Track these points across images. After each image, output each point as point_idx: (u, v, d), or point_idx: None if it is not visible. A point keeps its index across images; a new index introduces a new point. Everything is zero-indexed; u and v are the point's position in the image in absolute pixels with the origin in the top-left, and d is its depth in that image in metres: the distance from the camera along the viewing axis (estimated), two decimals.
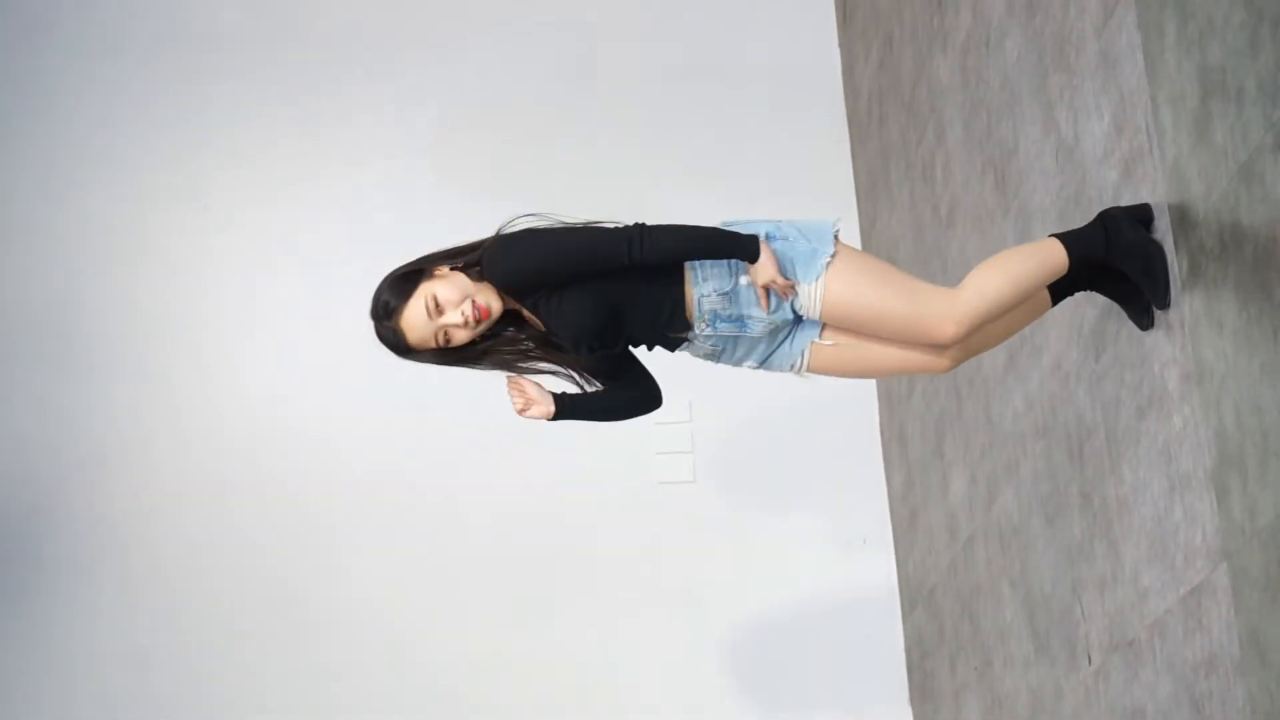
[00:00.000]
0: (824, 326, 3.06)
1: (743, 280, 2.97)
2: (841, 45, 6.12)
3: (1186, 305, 2.85)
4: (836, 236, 3.01)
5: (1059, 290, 3.19)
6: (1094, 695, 3.45)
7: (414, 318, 2.94)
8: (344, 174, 6.02)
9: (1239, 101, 2.57)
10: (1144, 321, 3.03)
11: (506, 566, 5.56)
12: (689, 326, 3.01)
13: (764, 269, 2.91)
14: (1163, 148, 2.92)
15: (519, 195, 5.68)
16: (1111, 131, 3.19)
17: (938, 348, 3.04)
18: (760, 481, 5.62)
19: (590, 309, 2.97)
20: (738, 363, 3.12)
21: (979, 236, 4.24)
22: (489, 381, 5.68)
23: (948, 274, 4.59)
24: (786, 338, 3.07)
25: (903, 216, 5.18)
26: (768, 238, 2.95)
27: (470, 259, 3.01)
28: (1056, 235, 3.05)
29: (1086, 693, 3.50)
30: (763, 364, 3.09)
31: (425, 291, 2.94)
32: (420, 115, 6.08)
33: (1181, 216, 2.85)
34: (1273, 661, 2.55)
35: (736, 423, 5.61)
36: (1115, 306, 3.18)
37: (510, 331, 3.06)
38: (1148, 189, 3.01)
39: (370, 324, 3.04)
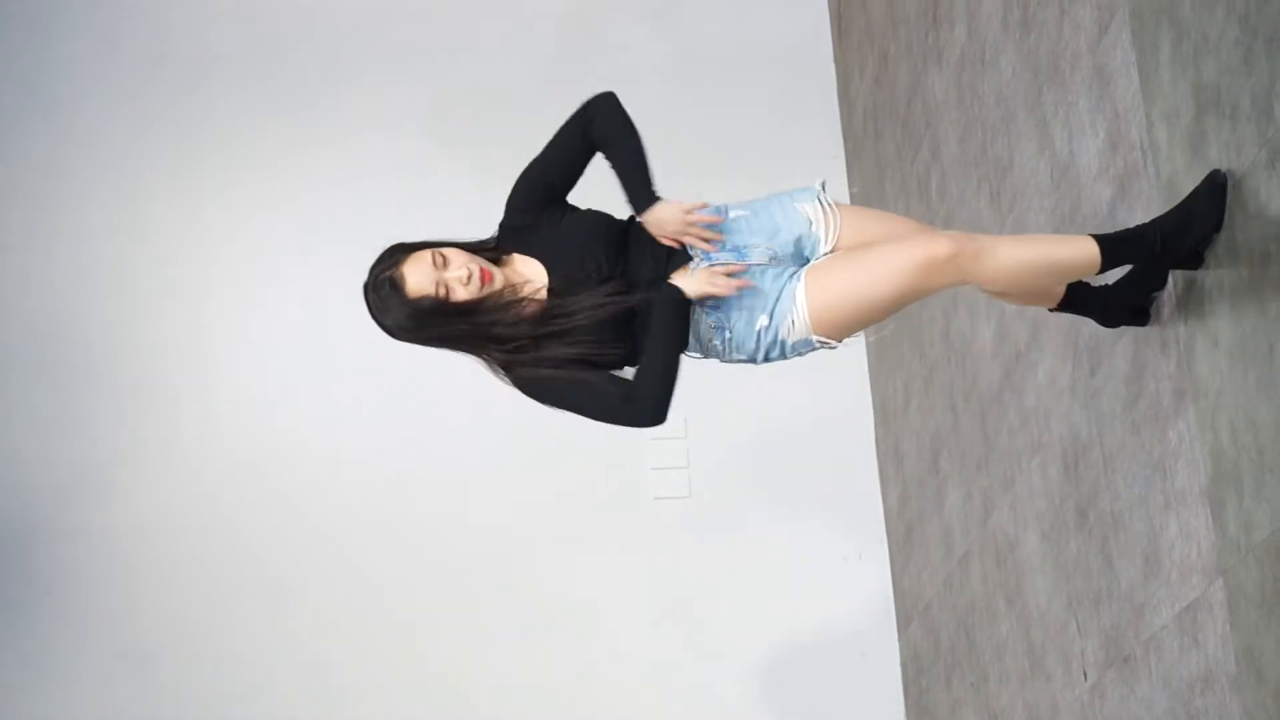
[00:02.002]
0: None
1: (731, 213, 2.97)
2: (837, 61, 6.14)
3: (1181, 321, 2.85)
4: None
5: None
6: (1090, 711, 3.45)
7: (419, 265, 2.90)
8: (343, 185, 6.02)
9: (1233, 118, 2.57)
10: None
11: (501, 582, 5.56)
12: (689, 258, 2.94)
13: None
14: (1157, 164, 2.92)
15: None
16: (1106, 148, 3.19)
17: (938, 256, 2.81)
18: (755, 497, 5.62)
19: (595, 220, 2.99)
20: (746, 328, 2.91)
21: None
22: (487, 394, 5.71)
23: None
24: (790, 279, 2.91)
25: None
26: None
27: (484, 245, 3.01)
28: (1098, 239, 2.85)
29: (1082, 709, 3.49)
30: (771, 318, 2.90)
31: (434, 250, 2.93)
32: (416, 126, 6.09)
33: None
34: (1269, 678, 2.54)
35: (732, 438, 5.61)
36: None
37: (508, 292, 2.92)
38: (1142, 205, 3.01)
39: (365, 291, 2.96)
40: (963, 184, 4.37)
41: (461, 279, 2.88)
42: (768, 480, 5.64)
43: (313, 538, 5.62)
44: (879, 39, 5.38)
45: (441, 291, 2.88)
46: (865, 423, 5.70)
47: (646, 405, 2.89)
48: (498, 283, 2.91)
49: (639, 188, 2.97)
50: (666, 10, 6.25)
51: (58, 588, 5.58)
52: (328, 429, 5.73)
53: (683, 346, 2.92)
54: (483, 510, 5.63)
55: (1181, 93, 2.78)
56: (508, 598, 5.54)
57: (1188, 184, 2.78)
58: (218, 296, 5.92)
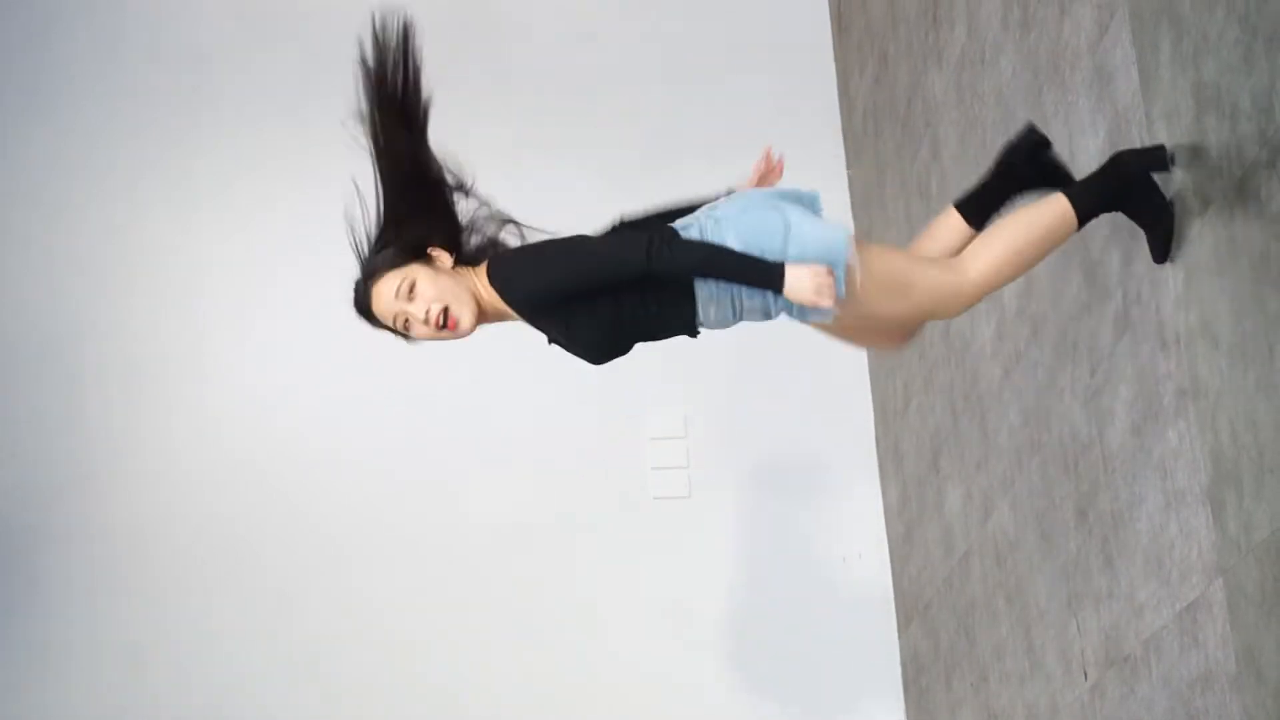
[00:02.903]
0: None
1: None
2: (837, 60, 6.13)
3: (1182, 320, 2.85)
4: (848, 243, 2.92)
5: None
6: (1090, 711, 3.44)
7: (385, 291, 2.92)
8: (342, 183, 6.00)
9: (1234, 118, 2.57)
10: (1158, 255, 2.93)
11: (501, 582, 5.55)
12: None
13: (798, 290, 2.79)
14: None
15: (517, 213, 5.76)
16: (1106, 148, 3.19)
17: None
18: (755, 496, 5.62)
19: (601, 327, 2.89)
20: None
21: None
22: (487, 394, 5.70)
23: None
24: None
25: (898, 231, 5.18)
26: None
27: (466, 251, 2.99)
28: (1066, 193, 2.91)
29: (1082, 709, 3.49)
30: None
31: (410, 273, 2.92)
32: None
33: (1177, 232, 2.85)
34: (1269, 678, 2.54)
35: (732, 438, 5.61)
36: (1112, 320, 3.18)
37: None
38: None
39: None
40: (963, 184, 4.36)
41: (419, 318, 2.89)
42: (767, 480, 5.63)
43: (311, 538, 5.62)
44: (879, 38, 5.37)
45: (401, 324, 2.91)
46: (865, 423, 5.70)
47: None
48: (464, 329, 2.88)
49: (764, 278, 2.82)
50: (665, 8, 6.25)
51: (57, 587, 5.58)
52: (327, 429, 5.72)
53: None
54: (482, 510, 5.62)
55: (1181, 92, 2.78)
56: (507, 598, 5.53)
57: (1187, 183, 2.78)
58: (216, 296, 5.92)
